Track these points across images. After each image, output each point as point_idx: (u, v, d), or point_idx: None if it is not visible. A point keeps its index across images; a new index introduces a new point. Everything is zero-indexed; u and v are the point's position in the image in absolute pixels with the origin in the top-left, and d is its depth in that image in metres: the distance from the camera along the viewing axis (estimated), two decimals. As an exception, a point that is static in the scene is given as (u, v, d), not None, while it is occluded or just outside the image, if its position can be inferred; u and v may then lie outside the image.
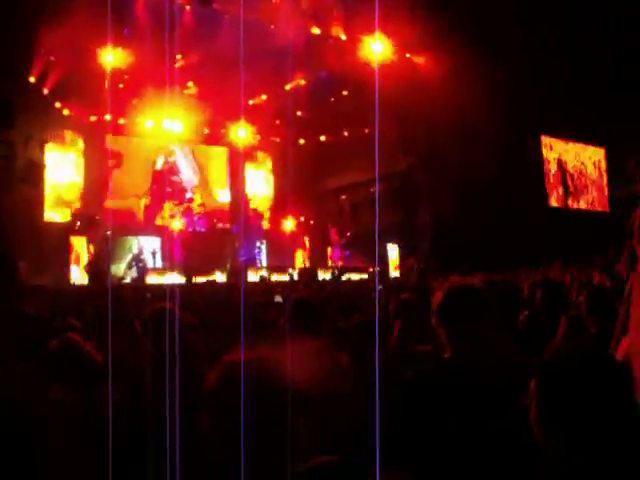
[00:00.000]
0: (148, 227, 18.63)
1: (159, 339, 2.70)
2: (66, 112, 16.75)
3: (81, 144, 17.80)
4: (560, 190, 21.69)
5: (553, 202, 21.20)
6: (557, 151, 21.76)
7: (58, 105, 16.44)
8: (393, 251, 18.79)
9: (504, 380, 2.17)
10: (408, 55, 16.55)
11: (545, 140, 21.20)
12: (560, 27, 16.46)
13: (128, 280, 15.95)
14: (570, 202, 21.87)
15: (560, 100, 17.30)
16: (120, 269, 16.75)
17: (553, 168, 21.52)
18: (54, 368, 2.67)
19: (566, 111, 17.87)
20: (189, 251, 16.99)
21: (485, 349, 2.32)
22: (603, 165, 23.04)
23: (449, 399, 2.13)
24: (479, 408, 2.11)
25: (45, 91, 15.56)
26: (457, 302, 2.37)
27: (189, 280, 14.11)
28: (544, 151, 21.16)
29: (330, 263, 20.12)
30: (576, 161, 22.43)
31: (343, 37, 15.82)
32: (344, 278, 17.21)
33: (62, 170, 17.32)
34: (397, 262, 18.60)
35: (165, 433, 2.04)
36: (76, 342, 2.74)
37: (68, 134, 17.49)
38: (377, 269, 16.03)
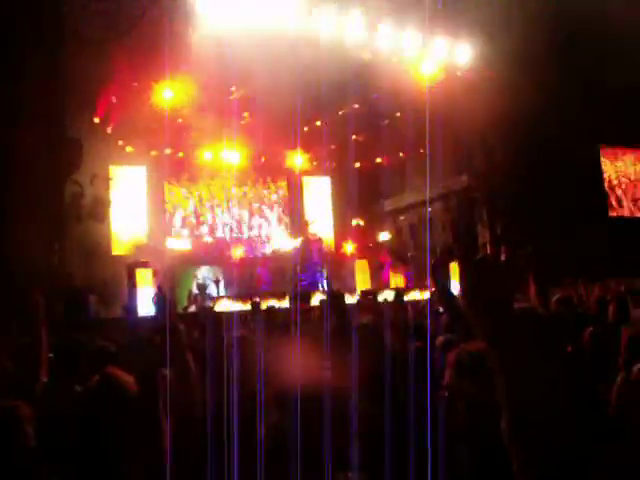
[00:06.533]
0: (210, 257, 18.98)
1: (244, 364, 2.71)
2: (129, 149, 17.35)
3: (144, 180, 18.41)
4: (620, 199, 21.04)
5: (614, 212, 20.55)
6: (616, 160, 21.19)
7: (120, 143, 17.04)
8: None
9: None
10: (459, 73, 16.51)
11: (604, 150, 20.68)
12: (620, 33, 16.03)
13: (193, 309, 16.18)
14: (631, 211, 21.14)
15: (619, 108, 16.87)
16: (184, 299, 17.02)
17: (613, 178, 20.93)
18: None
19: (625, 119, 17.42)
20: (251, 278, 17.21)
21: None
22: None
23: None
24: None
25: (108, 130, 16.17)
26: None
27: (255, 307, 14.20)
28: (603, 161, 20.64)
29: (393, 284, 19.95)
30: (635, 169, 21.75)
31: (394, 59, 15.89)
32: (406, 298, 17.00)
33: (127, 205, 17.90)
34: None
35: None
36: (115, 376, 2.74)
37: (132, 170, 18.12)
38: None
